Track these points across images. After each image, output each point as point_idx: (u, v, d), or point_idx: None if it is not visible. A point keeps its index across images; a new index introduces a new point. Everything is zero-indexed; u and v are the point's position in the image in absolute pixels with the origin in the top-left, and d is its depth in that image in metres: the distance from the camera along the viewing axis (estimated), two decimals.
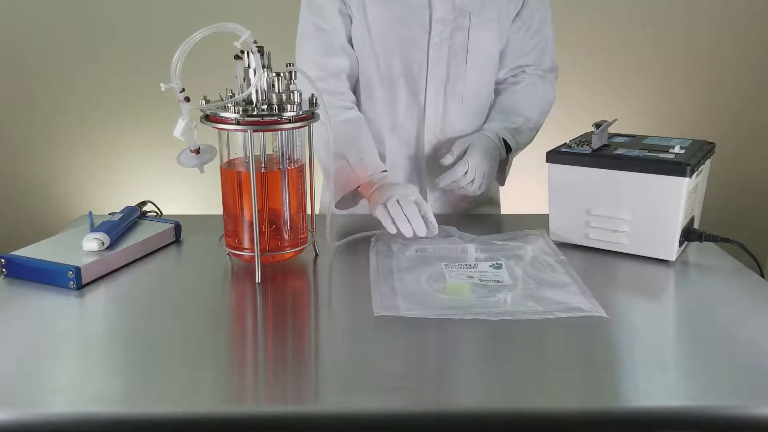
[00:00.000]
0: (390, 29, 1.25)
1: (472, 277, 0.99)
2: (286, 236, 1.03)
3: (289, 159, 1.02)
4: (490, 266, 1.03)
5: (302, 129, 1.01)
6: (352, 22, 1.27)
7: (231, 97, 0.95)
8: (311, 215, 1.09)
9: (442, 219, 1.17)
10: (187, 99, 0.92)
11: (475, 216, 1.39)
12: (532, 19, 1.32)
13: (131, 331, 0.85)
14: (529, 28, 1.32)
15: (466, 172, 1.22)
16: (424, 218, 1.11)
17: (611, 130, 1.18)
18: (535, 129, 1.37)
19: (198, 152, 0.99)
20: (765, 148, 2.53)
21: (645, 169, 1.03)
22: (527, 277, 0.99)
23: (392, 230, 1.10)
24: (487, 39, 1.28)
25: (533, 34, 1.33)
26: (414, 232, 1.09)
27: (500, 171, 1.36)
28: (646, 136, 1.19)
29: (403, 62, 1.27)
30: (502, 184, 1.43)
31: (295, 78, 0.98)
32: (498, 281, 0.98)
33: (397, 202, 1.10)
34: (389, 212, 1.10)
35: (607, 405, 0.70)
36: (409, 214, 1.10)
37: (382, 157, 1.32)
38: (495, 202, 1.47)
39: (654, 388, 0.72)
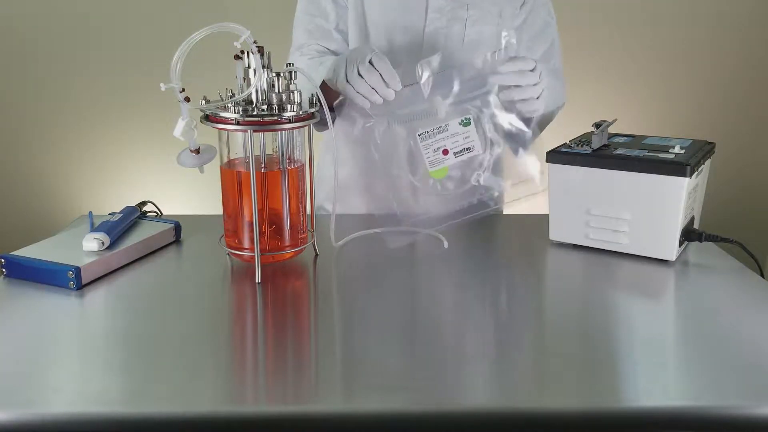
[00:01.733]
0: (386, 16, 1.25)
1: (447, 152, 1.08)
2: (286, 236, 1.03)
3: (289, 159, 1.02)
4: (459, 124, 1.08)
5: (302, 129, 1.01)
6: (348, 10, 1.28)
7: (231, 97, 0.95)
8: (311, 215, 1.09)
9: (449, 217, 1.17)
10: (187, 99, 0.92)
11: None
12: (535, 18, 1.30)
13: (131, 331, 0.85)
14: (532, 26, 1.31)
15: (533, 69, 1.07)
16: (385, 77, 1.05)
17: (611, 130, 1.18)
18: (551, 111, 1.29)
19: (198, 152, 0.99)
20: (765, 148, 2.53)
21: (645, 169, 1.03)
22: (495, 132, 1.09)
23: (366, 105, 1.07)
24: (484, 33, 1.26)
25: (537, 34, 1.31)
26: (383, 99, 1.06)
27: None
28: (646, 136, 1.19)
29: (397, 50, 1.26)
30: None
31: (295, 78, 0.98)
32: (469, 149, 1.08)
33: (358, 74, 1.05)
34: (354, 89, 1.06)
35: (607, 405, 0.70)
36: (373, 83, 1.05)
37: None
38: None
39: (654, 388, 0.72)
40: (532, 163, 1.12)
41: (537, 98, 1.10)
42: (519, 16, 1.30)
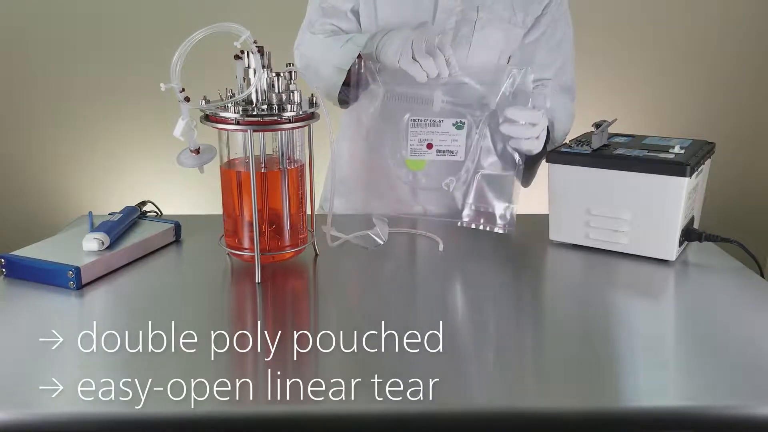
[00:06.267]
0: (396, 15, 1.25)
1: (431, 147, 1.09)
2: (286, 236, 1.03)
3: (289, 159, 1.02)
4: (453, 125, 1.09)
5: (302, 129, 1.02)
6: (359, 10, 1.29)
7: (231, 97, 0.95)
8: (311, 215, 1.09)
9: (441, 223, 1.17)
10: (187, 99, 0.92)
11: None
12: (554, 30, 1.29)
13: (131, 331, 0.85)
14: (550, 40, 1.29)
15: (536, 124, 1.11)
16: (447, 60, 1.09)
17: (611, 130, 1.18)
18: (564, 133, 1.31)
19: (198, 152, 0.99)
20: (765, 148, 2.53)
21: (645, 169, 1.03)
22: (479, 149, 1.09)
23: (423, 80, 1.08)
24: (493, 36, 1.25)
25: (554, 49, 1.30)
26: (438, 73, 1.08)
27: (528, 170, 1.25)
28: (646, 136, 1.19)
29: None
30: (527, 185, 1.30)
31: (295, 78, 0.98)
32: (452, 152, 1.09)
33: (412, 58, 1.08)
34: (417, 62, 1.08)
35: (607, 405, 0.70)
36: (433, 54, 1.08)
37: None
38: None
39: (654, 388, 0.73)
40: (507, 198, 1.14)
41: (536, 138, 1.13)
42: (538, 28, 1.28)
